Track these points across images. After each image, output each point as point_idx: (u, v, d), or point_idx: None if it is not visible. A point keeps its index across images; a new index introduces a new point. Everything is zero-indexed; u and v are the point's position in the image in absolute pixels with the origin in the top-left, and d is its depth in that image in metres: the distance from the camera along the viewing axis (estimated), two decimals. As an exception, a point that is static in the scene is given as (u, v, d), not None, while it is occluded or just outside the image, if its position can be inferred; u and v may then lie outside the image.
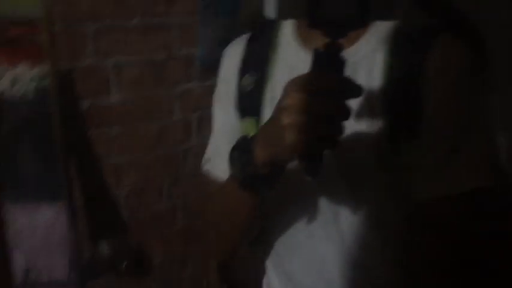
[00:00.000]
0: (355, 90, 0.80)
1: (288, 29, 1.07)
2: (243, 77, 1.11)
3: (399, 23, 0.97)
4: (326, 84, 0.77)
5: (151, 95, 1.95)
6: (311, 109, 0.76)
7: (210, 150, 1.19)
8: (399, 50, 0.97)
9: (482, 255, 1.03)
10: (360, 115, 0.96)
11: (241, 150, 0.94)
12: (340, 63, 0.76)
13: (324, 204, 1.05)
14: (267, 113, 1.05)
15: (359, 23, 0.75)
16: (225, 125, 1.15)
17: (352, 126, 0.90)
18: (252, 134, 0.98)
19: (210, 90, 1.90)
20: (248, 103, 1.10)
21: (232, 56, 1.15)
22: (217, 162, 1.14)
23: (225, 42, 1.89)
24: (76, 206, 1.83)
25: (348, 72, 0.82)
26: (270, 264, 1.19)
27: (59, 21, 1.70)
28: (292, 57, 0.93)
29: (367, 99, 0.95)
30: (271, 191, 0.97)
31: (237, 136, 0.99)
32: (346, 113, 0.78)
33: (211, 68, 1.89)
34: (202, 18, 1.94)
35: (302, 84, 0.78)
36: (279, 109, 0.81)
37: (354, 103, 0.82)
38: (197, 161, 1.97)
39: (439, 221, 0.99)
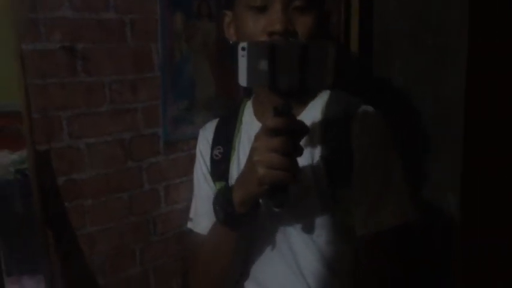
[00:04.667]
0: (304, 129, 1.06)
1: (248, 110, 1.40)
2: (214, 149, 1.41)
3: (333, 97, 1.30)
4: (283, 126, 1.02)
5: (121, 169, 2.19)
6: (274, 146, 1.01)
7: (192, 212, 1.49)
8: (333, 118, 1.25)
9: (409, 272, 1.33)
10: (305, 168, 1.23)
11: (222, 195, 1.22)
12: (292, 116, 1.04)
13: (281, 239, 1.31)
14: (234, 177, 1.34)
15: (301, 88, 1.01)
16: (203, 190, 1.44)
17: (301, 176, 1.16)
18: None
19: (174, 163, 2.18)
20: (219, 170, 1.39)
21: (206, 134, 1.47)
22: (198, 221, 1.45)
23: (183, 121, 2.18)
24: (54, 275, 2.04)
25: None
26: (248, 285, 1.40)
27: (37, 111, 1.95)
28: (252, 131, 1.15)
29: (310, 155, 1.24)
30: (247, 227, 1.24)
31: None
32: (300, 150, 1.05)
33: (173, 144, 2.19)
34: (163, 102, 2.21)
35: (266, 129, 1.03)
36: (251, 150, 1.08)
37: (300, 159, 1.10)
38: (166, 226, 2.22)
39: (374, 252, 1.25)
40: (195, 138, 1.63)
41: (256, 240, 1.36)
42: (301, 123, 1.05)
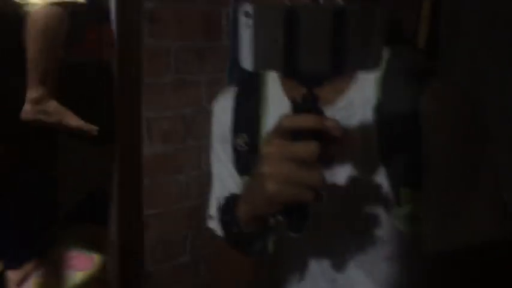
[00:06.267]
0: (336, 130, 0.76)
1: (275, 84, 1.04)
2: (236, 137, 1.09)
3: (390, 67, 0.93)
4: (304, 126, 0.75)
5: (180, 148, 2.01)
6: (292, 154, 0.75)
7: (212, 208, 1.16)
8: (391, 97, 0.94)
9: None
10: (358, 165, 0.95)
11: (225, 210, 0.96)
12: (318, 112, 0.76)
13: (326, 257, 1.01)
14: None
15: (334, 73, 0.75)
16: (225, 183, 1.14)
17: (353, 177, 0.93)
18: None
19: None
20: (245, 163, 1.08)
21: (223, 116, 1.13)
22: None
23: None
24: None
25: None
26: None
27: None
28: (282, 112, 0.82)
29: (365, 148, 0.94)
30: (261, 249, 0.96)
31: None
32: (329, 159, 0.77)
33: None
34: (230, 74, 1.95)
35: (281, 130, 0.77)
36: (260, 158, 0.81)
37: (352, 154, 0.89)
38: None
39: (448, 275, 0.94)
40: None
41: (292, 262, 1.05)
42: (333, 122, 0.75)
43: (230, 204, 0.91)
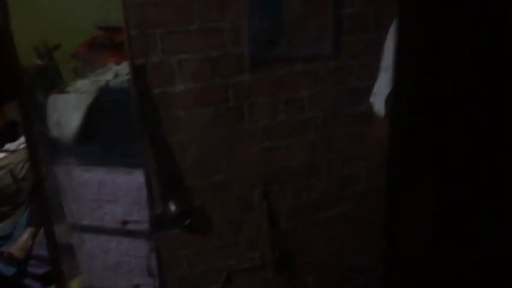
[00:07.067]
0: None
1: None
2: None
3: None
4: None
5: (208, 85, 2.37)
6: None
7: (376, 87, 1.60)
8: None
9: None
10: None
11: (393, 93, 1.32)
12: None
13: None
14: None
15: None
16: (389, 70, 1.48)
17: None
18: None
19: (258, 81, 2.27)
20: None
21: None
22: (377, 99, 1.57)
23: (268, 41, 2.23)
24: (150, 172, 2.42)
25: None
26: None
27: (134, 28, 2.27)
28: None
29: None
30: None
31: None
32: None
33: (258, 63, 2.27)
34: (249, 22, 2.26)
35: None
36: None
37: None
38: (249, 140, 2.33)
39: None
40: (281, 59, 1.76)
41: None
42: None
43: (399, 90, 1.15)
